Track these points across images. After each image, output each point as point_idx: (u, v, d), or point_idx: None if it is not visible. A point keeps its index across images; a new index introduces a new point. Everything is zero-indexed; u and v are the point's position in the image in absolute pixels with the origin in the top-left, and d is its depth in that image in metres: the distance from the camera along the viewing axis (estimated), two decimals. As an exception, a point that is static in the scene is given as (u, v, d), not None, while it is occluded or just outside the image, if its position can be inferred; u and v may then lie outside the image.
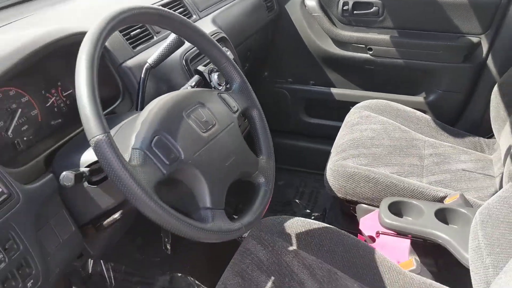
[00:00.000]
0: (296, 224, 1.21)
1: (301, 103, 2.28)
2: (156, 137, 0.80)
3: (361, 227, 1.47)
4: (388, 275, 1.14)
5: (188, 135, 0.85)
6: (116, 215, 0.92)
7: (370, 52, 2.01)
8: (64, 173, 0.78)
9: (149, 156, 0.78)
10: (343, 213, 1.67)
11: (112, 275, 1.56)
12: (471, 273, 1.06)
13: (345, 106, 1.96)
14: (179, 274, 1.57)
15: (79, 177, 0.80)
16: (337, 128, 1.79)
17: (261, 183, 1.00)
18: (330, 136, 1.80)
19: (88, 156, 0.87)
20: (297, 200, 2.18)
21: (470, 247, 1.08)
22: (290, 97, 2.25)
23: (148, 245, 1.62)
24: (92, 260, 1.53)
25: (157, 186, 0.77)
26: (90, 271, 1.54)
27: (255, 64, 2.04)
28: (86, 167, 0.86)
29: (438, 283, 1.15)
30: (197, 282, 1.56)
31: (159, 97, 0.91)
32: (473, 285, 1.05)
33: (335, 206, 1.86)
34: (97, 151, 0.70)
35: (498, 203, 1.02)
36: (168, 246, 1.27)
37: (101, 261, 1.56)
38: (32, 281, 0.80)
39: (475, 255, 1.06)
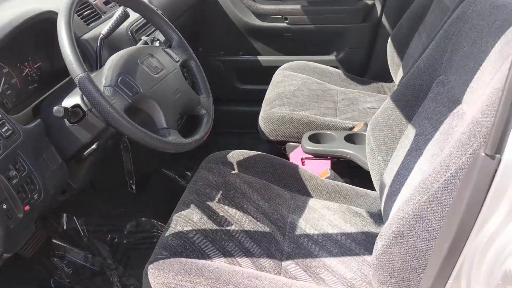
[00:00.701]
0: (236, 155, 1.49)
1: (233, 72, 2.53)
2: (120, 77, 1.07)
3: (291, 161, 1.79)
4: (309, 183, 1.45)
5: (144, 76, 1.12)
6: (94, 146, 1.18)
7: (286, 21, 2.31)
8: (55, 107, 1.03)
9: (117, 90, 1.05)
10: (277, 155, 1.97)
11: (85, 228, 1.78)
12: (370, 171, 1.39)
13: (271, 70, 2.22)
14: (144, 219, 1.82)
15: (66, 111, 1.05)
16: (266, 91, 2.07)
17: (203, 114, 1.28)
18: (261, 98, 2.04)
19: (66, 103, 1.12)
20: (238, 156, 2.44)
21: (366, 151, 1.41)
22: (224, 68, 2.50)
23: (114, 199, 1.85)
24: (66, 217, 1.74)
25: (126, 113, 1.04)
26: (65, 227, 1.76)
27: (189, 41, 2.27)
28: None
29: (348, 184, 1.49)
30: (159, 223, 1.81)
31: (117, 52, 1.17)
32: (372, 179, 1.38)
33: (270, 151, 2.16)
34: (80, 86, 0.96)
35: (381, 113, 1.34)
36: (133, 187, 1.50)
37: (74, 217, 1.77)
38: (36, 194, 1.05)
39: (370, 155, 1.38)
